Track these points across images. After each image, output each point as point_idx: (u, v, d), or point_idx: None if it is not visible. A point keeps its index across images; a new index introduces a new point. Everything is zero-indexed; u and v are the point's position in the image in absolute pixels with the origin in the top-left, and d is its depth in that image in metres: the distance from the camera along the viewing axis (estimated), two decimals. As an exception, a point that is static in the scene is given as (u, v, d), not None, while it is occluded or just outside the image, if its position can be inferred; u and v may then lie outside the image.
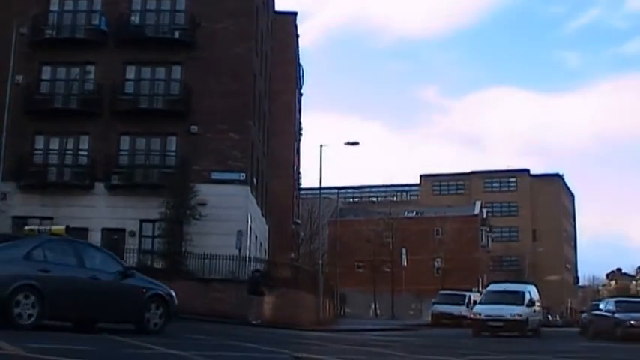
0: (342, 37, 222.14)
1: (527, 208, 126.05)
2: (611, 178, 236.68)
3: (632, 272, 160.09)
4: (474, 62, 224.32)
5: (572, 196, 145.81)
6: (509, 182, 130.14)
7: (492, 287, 38.87)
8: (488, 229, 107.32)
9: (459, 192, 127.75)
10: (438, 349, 21.10)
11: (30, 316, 15.83)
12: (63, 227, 20.08)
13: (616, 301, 36.26)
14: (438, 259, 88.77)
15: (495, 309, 33.38)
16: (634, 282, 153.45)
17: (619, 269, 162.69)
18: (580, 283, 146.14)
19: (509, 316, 32.81)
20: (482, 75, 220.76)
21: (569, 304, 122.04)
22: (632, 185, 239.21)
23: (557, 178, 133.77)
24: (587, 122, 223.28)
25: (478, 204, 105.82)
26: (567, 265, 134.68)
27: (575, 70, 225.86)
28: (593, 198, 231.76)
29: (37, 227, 20.63)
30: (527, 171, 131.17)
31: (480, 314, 33.71)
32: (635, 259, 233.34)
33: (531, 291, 36.66)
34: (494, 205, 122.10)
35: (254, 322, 31.67)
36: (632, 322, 31.11)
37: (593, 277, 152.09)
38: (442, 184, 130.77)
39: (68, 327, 17.60)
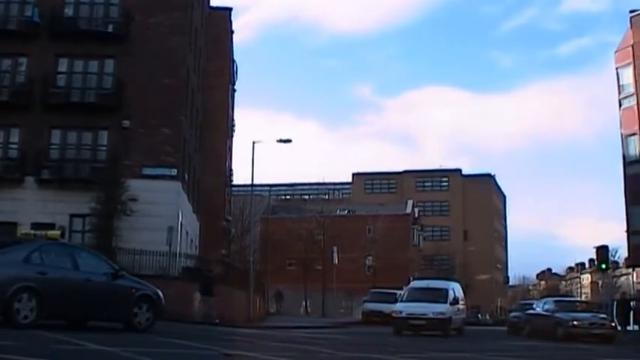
0: (276, 34, 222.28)
1: (459, 207, 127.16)
2: (542, 178, 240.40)
3: (562, 272, 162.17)
4: (408, 61, 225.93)
5: (504, 196, 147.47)
6: (441, 182, 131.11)
7: (415, 284, 37.44)
8: (419, 228, 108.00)
9: (391, 191, 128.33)
10: (367, 346, 21.20)
11: (29, 315, 16.98)
12: (58, 232, 21.56)
13: (555, 301, 36.65)
14: (369, 258, 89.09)
15: (417, 307, 32.06)
16: (564, 282, 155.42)
17: (549, 269, 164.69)
18: (510, 283, 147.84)
19: (431, 315, 31.56)
20: (416, 74, 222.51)
21: (499, 304, 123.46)
22: (563, 186, 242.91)
23: (489, 178, 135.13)
24: (519, 123, 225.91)
25: (410, 203, 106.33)
26: (498, 265, 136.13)
27: (508, 71, 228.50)
28: (525, 198, 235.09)
29: (33, 232, 21.36)
30: (459, 171, 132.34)
31: (401, 312, 32.20)
32: (565, 259, 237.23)
33: (455, 288, 35.60)
34: (426, 204, 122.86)
35: (215, 321, 31.77)
36: (575, 322, 31.33)
37: (524, 277, 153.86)
38: (374, 182, 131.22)
39: (62, 325, 18.47)
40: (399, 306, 33.38)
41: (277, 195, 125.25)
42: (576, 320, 31.40)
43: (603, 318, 32.93)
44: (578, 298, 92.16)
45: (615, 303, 38.12)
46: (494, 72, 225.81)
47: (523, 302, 53.49)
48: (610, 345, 29.42)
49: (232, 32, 63.70)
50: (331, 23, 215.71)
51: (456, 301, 34.04)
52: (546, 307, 34.80)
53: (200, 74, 49.53)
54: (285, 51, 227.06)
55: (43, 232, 20.65)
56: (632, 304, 44.26)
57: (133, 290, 19.61)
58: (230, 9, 63.03)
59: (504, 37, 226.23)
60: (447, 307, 32.57)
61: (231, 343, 18.98)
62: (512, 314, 44.47)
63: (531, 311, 36.48)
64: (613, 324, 33.11)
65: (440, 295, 33.24)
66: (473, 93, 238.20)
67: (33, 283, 17.22)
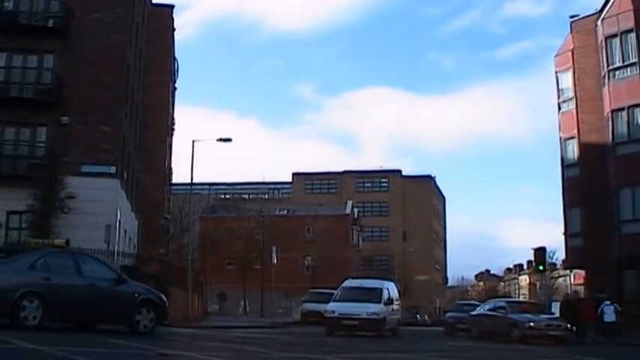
0: (218, 32, 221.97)
1: (399, 208, 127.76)
2: (482, 180, 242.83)
3: (501, 274, 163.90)
4: (349, 61, 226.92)
5: (443, 197, 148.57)
6: (381, 182, 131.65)
7: (348, 283, 36.01)
8: (359, 229, 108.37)
9: (331, 191, 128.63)
10: (304, 346, 21.18)
11: (34, 318, 18.34)
12: (63, 241, 22.67)
13: (508, 302, 37.13)
14: (309, 258, 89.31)
15: (350, 307, 31.43)
16: (502, 283, 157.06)
17: (487, 270, 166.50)
18: (449, 284, 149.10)
19: (365, 315, 31.00)
20: (358, 74, 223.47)
21: (437, 304, 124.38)
22: (502, 188, 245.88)
23: (429, 179, 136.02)
24: (460, 125, 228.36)
25: (349, 203, 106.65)
26: (437, 266, 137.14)
27: (450, 73, 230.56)
28: (464, 200, 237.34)
29: (41, 240, 23.28)
30: (400, 172, 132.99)
31: (333, 312, 31.42)
32: (504, 260, 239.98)
33: (390, 288, 34.87)
34: (366, 204, 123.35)
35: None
36: (532, 323, 31.44)
37: (462, 278, 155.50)
38: (314, 182, 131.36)
39: (71, 328, 19.95)
40: (331, 306, 32.54)
41: (217, 194, 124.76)
42: (532, 322, 31.50)
43: (557, 319, 33.24)
44: (525, 300, 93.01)
45: (560, 304, 38.36)
46: (435, 74, 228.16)
47: (460, 302, 53.72)
48: (564, 346, 29.77)
49: (174, 29, 63.34)
50: (273, 22, 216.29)
51: (390, 301, 33.50)
52: (498, 306, 34.97)
53: (141, 71, 49.13)
54: (226, 49, 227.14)
55: (50, 241, 22.57)
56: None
57: (136, 295, 20.73)
58: (172, 6, 62.63)
59: (446, 39, 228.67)
60: (380, 307, 32.07)
61: (169, 342, 18.86)
62: (449, 314, 44.59)
63: (480, 312, 36.39)
64: (568, 325, 33.22)
65: (374, 295, 32.65)
66: (414, 94, 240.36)
67: (38, 288, 18.58)
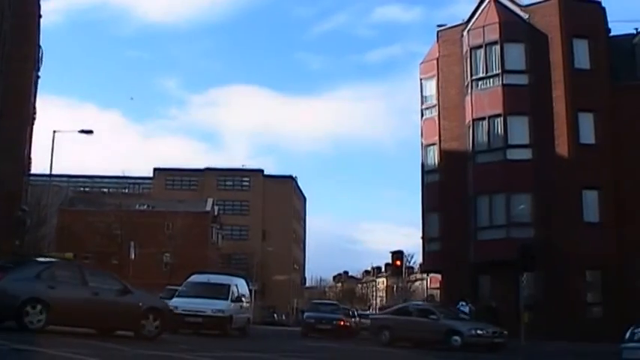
0: (85, 20, 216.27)
1: (259, 207, 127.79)
2: (345, 182, 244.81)
3: (359, 276, 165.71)
4: (217, 57, 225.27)
5: (304, 198, 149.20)
6: (242, 181, 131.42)
7: (194, 278, 34.15)
8: (219, 227, 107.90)
9: (192, 188, 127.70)
10: (155, 343, 21.03)
11: (38, 321, 19.78)
12: (71, 254, 25.72)
13: (435, 307, 36.10)
14: (167, 254, 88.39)
15: (194, 303, 29.91)
16: (360, 285, 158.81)
17: (346, 272, 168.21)
18: (307, 284, 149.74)
19: (209, 312, 29.62)
20: (225, 71, 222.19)
21: (295, 304, 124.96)
22: (364, 191, 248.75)
23: (290, 179, 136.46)
24: (324, 127, 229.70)
25: (210, 201, 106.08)
26: (295, 266, 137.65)
27: (317, 75, 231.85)
28: (326, 201, 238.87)
29: (55, 253, 26.12)
30: (262, 171, 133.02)
31: (176, 308, 28.22)
32: (363, 263, 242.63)
33: (239, 284, 33.80)
34: (227, 203, 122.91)
35: None
36: (479, 331, 31.18)
37: (321, 279, 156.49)
38: (175, 178, 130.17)
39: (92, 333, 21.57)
40: (174, 301, 30.16)
41: (76, 187, 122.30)
42: (480, 329, 31.30)
43: (495, 325, 32.69)
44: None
45: (478, 309, 38.82)
46: (302, 74, 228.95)
47: (316, 302, 53.95)
48: (496, 353, 30.01)
49: (40, 16, 61.74)
50: (140, 13, 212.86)
51: (239, 299, 32.47)
52: (422, 311, 34.32)
53: (4, 59, 47.74)
54: (92, 38, 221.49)
55: (60, 254, 25.32)
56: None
57: (140, 304, 22.26)
58: (39, -8, 61.05)
59: (315, 40, 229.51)
60: (227, 304, 30.94)
61: (22, 337, 18.36)
62: (308, 314, 44.03)
63: (399, 315, 35.15)
64: (505, 332, 32.68)
65: (221, 292, 31.29)
66: (280, 94, 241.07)
67: (42, 296, 20.02)
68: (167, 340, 22.12)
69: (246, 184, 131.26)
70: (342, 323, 42.30)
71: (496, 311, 39.19)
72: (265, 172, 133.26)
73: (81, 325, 21.77)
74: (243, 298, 33.64)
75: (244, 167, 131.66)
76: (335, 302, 58.62)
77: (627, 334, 16.60)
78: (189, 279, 34.52)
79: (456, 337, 30.98)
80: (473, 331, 31.00)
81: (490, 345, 31.24)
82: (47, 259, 23.26)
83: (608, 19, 46.72)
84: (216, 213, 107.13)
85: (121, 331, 22.40)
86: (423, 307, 35.38)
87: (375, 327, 36.37)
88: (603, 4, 46.14)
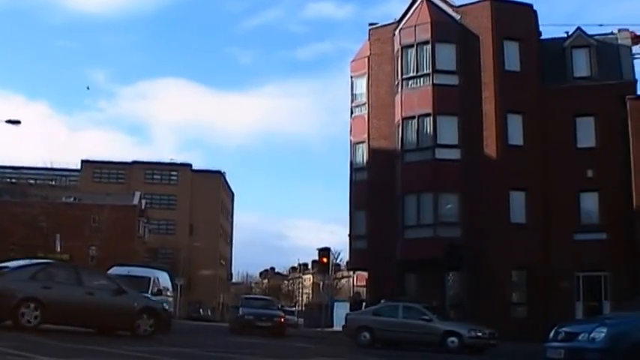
0: (13, 7, 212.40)
1: (186, 202, 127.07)
2: (274, 179, 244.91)
3: (286, 272, 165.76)
4: (147, 50, 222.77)
5: (232, 193, 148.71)
6: (170, 175, 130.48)
7: (114, 271, 32.30)
8: (146, 221, 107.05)
9: (119, 181, 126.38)
10: (75, 336, 20.79)
11: (34, 319, 20.65)
12: (67, 256, 27.43)
13: (425, 307, 33.90)
14: (94, 247, 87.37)
15: None
16: (286, 281, 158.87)
17: (272, 268, 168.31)
18: (234, 280, 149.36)
19: None
20: (154, 64, 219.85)
21: (221, 300, 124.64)
22: (292, 188, 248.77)
23: (219, 174, 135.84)
24: (254, 122, 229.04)
25: (137, 194, 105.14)
26: (222, 262, 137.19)
27: (247, 70, 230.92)
28: (254, 197, 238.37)
29: (60, 255, 25.33)
30: (190, 165, 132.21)
31: None
32: (290, 259, 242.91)
33: (160, 278, 33.48)
34: (154, 196, 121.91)
35: None
36: (479, 333, 30.66)
37: (247, 275, 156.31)
38: (103, 171, 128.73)
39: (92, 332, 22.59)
40: None
41: (2, 178, 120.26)
42: (478, 331, 30.77)
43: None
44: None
45: (350, 304, 38.79)
46: (233, 69, 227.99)
47: (248, 297, 53.23)
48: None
49: (-35, 3, 60.68)
50: (70, 2, 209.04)
51: (160, 292, 31.48)
52: (412, 311, 33.05)
53: None
54: (20, 27, 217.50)
55: (58, 255, 25.15)
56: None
57: (135, 304, 23.11)
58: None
59: (246, 35, 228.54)
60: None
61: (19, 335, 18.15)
62: (247, 310, 40.67)
63: (382, 316, 33.60)
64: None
65: (141, 285, 29.75)
66: (210, 88, 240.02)
67: (37, 295, 20.87)
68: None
69: (174, 178, 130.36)
70: (282, 320, 40.69)
71: None
72: (193, 167, 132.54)
73: (76, 324, 22.53)
74: (164, 292, 32.96)
75: (173, 161, 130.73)
76: (269, 298, 57.82)
77: (551, 334, 16.74)
78: (110, 271, 32.56)
79: (453, 339, 30.54)
80: (472, 333, 30.66)
81: (486, 346, 30.93)
82: (44, 261, 24.40)
83: (540, 22, 47.39)
84: (143, 207, 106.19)
85: (116, 330, 23.08)
86: (412, 307, 33.62)
87: (351, 328, 34.43)
88: (535, 8, 46.74)
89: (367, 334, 32.80)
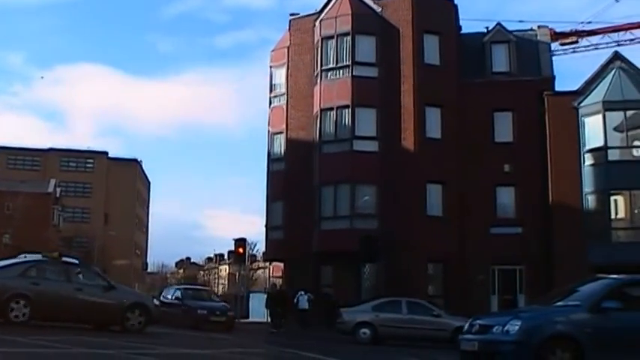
0: None
1: (102, 190, 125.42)
2: (191, 168, 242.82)
3: (202, 262, 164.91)
4: (65, 34, 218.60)
5: (149, 182, 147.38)
6: (86, 163, 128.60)
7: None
8: (60, 209, 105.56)
9: (34, 168, 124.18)
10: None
11: (23, 315, 21.60)
12: (57, 253, 25.62)
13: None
14: (7, 235, 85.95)
15: None
16: (202, 272, 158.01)
17: (188, 258, 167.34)
18: (149, 270, 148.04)
19: None
20: (72, 49, 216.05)
21: (136, 289, 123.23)
22: (209, 177, 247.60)
23: (135, 163, 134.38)
24: (171, 110, 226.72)
25: (52, 182, 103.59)
26: (137, 251, 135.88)
27: (167, 57, 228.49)
28: (171, 186, 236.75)
29: (48, 253, 25.75)
30: (106, 153, 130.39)
31: None
32: (207, 249, 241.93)
33: None
34: (70, 184, 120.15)
35: None
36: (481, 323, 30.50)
37: (163, 265, 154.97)
38: (18, 158, 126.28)
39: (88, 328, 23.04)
40: None
41: None
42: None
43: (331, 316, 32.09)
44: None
45: (316, 299, 38.52)
46: (152, 56, 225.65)
47: (187, 287, 47.41)
48: None
49: None
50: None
51: None
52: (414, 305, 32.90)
53: None
54: None
55: (46, 254, 25.10)
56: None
57: (124, 300, 23.87)
58: None
59: (166, 22, 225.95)
60: None
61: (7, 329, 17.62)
62: (200, 304, 37.74)
63: (383, 312, 32.99)
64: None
65: None
66: (128, 75, 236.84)
67: (25, 291, 21.77)
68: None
69: (90, 165, 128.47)
70: (232, 314, 38.58)
71: (334, 301, 39.52)
72: (110, 155, 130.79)
73: (64, 320, 23.09)
74: None
75: (89, 149, 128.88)
76: (206, 287, 55.89)
77: (466, 326, 16.82)
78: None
79: (450, 332, 29.69)
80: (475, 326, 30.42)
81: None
82: (33, 258, 24.17)
83: (460, 17, 47.83)
84: (58, 194, 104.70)
85: (106, 325, 23.65)
86: (417, 303, 33.43)
87: (348, 325, 33.09)
88: (455, 2, 47.12)
89: (367, 331, 32.29)
